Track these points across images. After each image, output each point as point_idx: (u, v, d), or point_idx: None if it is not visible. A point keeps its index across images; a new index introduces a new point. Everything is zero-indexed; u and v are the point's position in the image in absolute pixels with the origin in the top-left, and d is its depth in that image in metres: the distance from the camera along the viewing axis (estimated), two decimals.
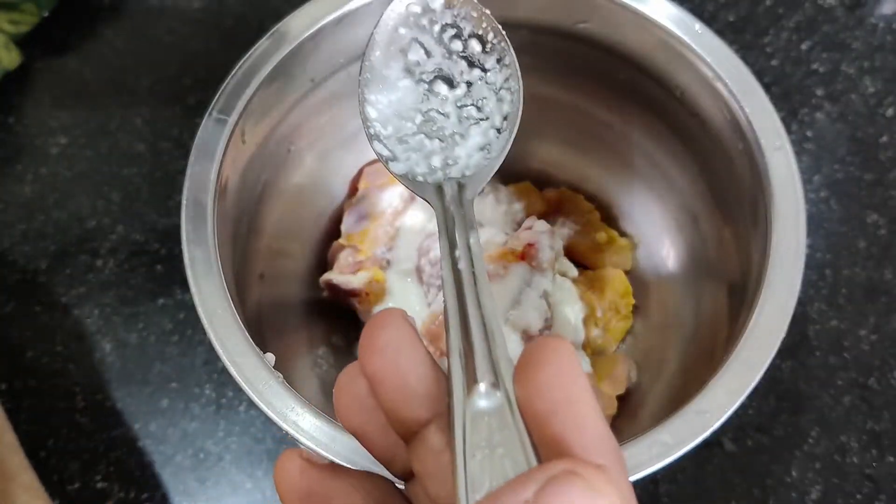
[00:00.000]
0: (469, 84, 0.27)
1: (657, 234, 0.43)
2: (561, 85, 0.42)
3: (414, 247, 0.41)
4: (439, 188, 0.24)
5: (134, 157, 0.48)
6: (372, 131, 0.26)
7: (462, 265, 0.20)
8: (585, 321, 0.40)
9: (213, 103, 0.34)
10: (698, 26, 0.35)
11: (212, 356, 0.43)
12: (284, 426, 0.28)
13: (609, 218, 0.44)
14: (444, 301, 0.19)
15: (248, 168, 0.36)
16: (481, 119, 0.27)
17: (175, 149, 0.48)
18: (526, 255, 0.39)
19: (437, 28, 0.27)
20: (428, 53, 0.27)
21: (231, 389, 0.42)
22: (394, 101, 0.27)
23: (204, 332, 0.29)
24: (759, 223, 0.33)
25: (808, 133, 0.49)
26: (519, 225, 0.42)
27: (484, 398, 0.17)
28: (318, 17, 0.36)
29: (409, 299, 0.40)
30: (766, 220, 0.32)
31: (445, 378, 0.18)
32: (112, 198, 0.47)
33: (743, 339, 0.30)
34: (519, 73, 0.27)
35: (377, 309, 0.40)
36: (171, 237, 0.46)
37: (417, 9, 0.27)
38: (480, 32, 0.27)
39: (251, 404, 0.41)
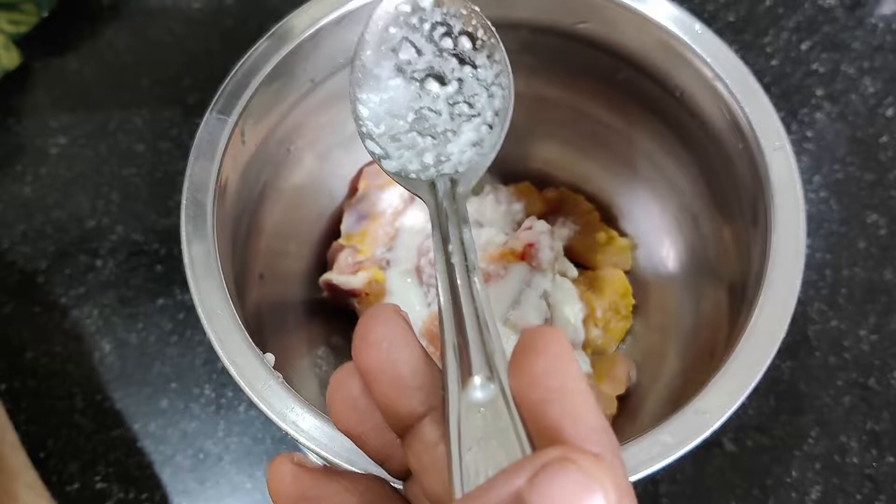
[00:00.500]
0: (460, 81, 0.27)
1: (657, 234, 0.43)
2: (561, 85, 0.42)
3: (414, 247, 0.41)
4: (432, 184, 0.25)
5: (134, 157, 0.48)
6: (364, 130, 0.27)
7: (455, 259, 0.20)
8: (585, 321, 0.40)
9: (212, 103, 0.34)
10: (698, 26, 0.35)
11: (211, 356, 0.43)
12: (284, 426, 0.28)
13: (609, 218, 0.44)
14: (438, 295, 0.19)
15: (247, 168, 0.36)
16: (473, 115, 0.27)
17: (175, 149, 0.48)
18: (526, 255, 0.39)
19: (427, 26, 0.27)
20: (419, 52, 0.27)
21: (231, 390, 0.42)
22: (385, 99, 0.27)
23: (203, 333, 0.29)
24: (759, 223, 0.33)
25: (808, 133, 0.49)
26: (519, 225, 0.42)
27: (479, 390, 0.17)
28: (318, 17, 0.36)
29: (409, 299, 0.40)
30: (766, 220, 0.32)
31: (440, 371, 0.18)
32: (112, 198, 0.47)
33: (743, 339, 0.30)
34: (510, 69, 0.27)
35: None
36: (171, 237, 0.46)
37: (407, 8, 0.27)
38: (470, 30, 0.27)
39: (251, 404, 0.40)
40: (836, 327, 0.43)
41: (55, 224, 0.46)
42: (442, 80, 0.27)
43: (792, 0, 0.53)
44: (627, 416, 0.38)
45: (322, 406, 0.30)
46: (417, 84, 0.27)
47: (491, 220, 0.42)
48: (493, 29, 0.27)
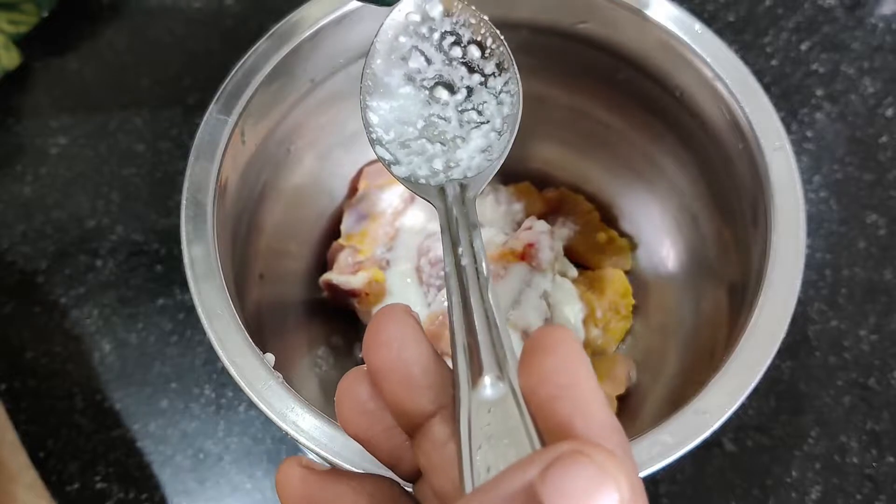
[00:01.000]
0: (469, 89, 0.27)
1: (657, 234, 0.43)
2: (561, 85, 0.42)
3: (414, 247, 0.41)
4: (441, 190, 0.25)
5: (134, 157, 0.48)
6: (374, 136, 0.27)
7: (465, 262, 0.20)
8: (585, 321, 0.40)
9: (212, 103, 0.34)
10: (698, 26, 0.35)
11: (211, 356, 0.43)
12: (284, 426, 0.28)
13: (609, 218, 0.44)
14: (448, 297, 0.19)
15: (247, 168, 0.36)
16: (482, 122, 0.27)
17: (175, 149, 0.48)
18: (526, 255, 0.39)
19: (436, 36, 0.28)
20: (428, 61, 0.28)
21: (231, 390, 0.42)
22: (395, 107, 0.27)
23: (203, 333, 0.29)
24: (759, 223, 0.33)
25: (808, 133, 0.49)
26: (519, 225, 0.42)
27: (489, 389, 0.17)
28: (318, 17, 0.36)
29: (409, 299, 0.40)
30: (766, 220, 0.32)
31: (449, 371, 0.18)
32: (112, 198, 0.47)
33: (743, 340, 0.30)
34: (518, 77, 0.27)
35: (377, 309, 0.40)
36: (171, 237, 0.46)
37: (417, 17, 0.28)
38: (479, 38, 0.28)
39: (251, 405, 0.40)
40: (836, 327, 0.43)
41: (55, 224, 0.46)
42: (451, 89, 0.27)
43: (792, 0, 0.53)
44: (627, 416, 0.38)
45: (322, 406, 0.30)
46: (427, 92, 0.27)
47: (491, 220, 0.42)
48: (502, 38, 0.27)
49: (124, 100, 0.50)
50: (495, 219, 0.42)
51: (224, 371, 0.29)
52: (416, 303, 0.40)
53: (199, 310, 0.30)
